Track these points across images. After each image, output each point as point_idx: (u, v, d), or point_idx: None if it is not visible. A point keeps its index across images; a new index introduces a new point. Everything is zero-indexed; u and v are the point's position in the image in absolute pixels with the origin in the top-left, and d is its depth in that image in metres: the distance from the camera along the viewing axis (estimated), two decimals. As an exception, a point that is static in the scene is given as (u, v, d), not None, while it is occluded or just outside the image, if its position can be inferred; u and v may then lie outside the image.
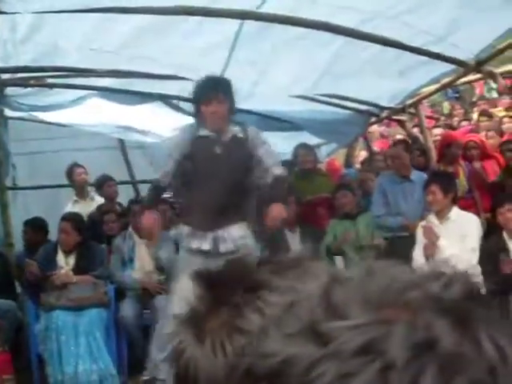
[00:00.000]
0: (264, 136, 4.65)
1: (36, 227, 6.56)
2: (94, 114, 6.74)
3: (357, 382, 0.46)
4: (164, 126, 6.91)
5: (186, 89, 5.76)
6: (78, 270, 5.68)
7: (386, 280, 0.54)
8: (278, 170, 4.50)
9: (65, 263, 5.70)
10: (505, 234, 5.33)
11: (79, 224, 5.88)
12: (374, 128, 9.45)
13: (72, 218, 5.90)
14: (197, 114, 4.49)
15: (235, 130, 4.47)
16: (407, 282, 0.54)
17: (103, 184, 7.18)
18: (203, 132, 4.42)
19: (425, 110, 11.31)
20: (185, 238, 4.50)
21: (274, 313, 0.59)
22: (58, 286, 5.51)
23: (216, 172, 4.31)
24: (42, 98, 6.11)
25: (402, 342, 0.47)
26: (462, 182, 6.43)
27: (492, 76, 5.58)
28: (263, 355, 0.52)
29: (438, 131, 8.38)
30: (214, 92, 4.31)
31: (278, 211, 4.32)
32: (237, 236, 4.35)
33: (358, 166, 8.67)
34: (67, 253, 5.74)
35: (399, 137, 9.28)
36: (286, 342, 0.52)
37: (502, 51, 5.24)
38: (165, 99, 6.39)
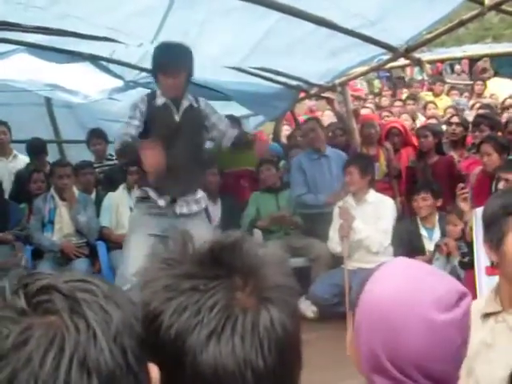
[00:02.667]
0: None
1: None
2: (21, 70, 6.55)
3: None
4: (92, 87, 6.80)
5: (116, 51, 5.71)
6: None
7: None
8: (234, 132, 4.65)
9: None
10: (418, 220, 5.56)
11: None
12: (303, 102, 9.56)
13: None
14: (155, 81, 4.49)
15: (190, 98, 4.52)
16: None
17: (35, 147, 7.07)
18: (161, 100, 4.42)
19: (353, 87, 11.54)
20: (141, 199, 4.53)
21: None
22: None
23: (175, 139, 4.33)
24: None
25: None
26: (382, 165, 6.60)
27: (419, 63, 5.73)
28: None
29: (365, 111, 8.56)
30: (172, 62, 4.31)
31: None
32: (192, 200, 4.48)
33: (283, 140, 8.76)
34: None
35: (327, 112, 9.43)
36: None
37: (430, 40, 5.38)
38: (94, 60, 6.27)
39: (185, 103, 4.47)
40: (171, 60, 4.31)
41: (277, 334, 0.83)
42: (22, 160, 7.14)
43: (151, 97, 4.49)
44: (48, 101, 8.22)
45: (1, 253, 5.53)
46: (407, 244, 5.51)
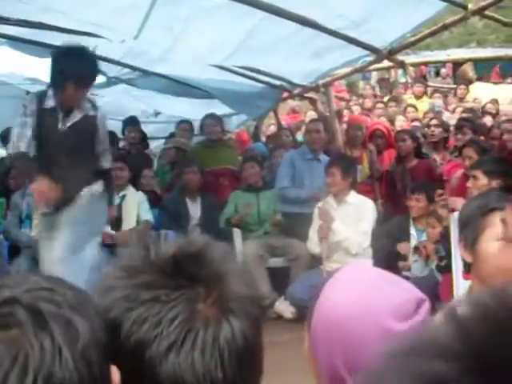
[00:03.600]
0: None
1: None
2: (2, 63, 6.50)
3: None
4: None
5: (99, 47, 5.66)
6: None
7: None
8: (107, 163, 4.66)
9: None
10: (410, 219, 5.57)
11: None
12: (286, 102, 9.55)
13: None
14: (53, 84, 4.37)
15: (87, 106, 4.44)
16: None
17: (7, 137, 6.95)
18: (51, 102, 4.32)
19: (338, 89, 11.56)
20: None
21: None
22: None
23: (59, 146, 4.29)
24: None
25: None
26: (365, 167, 6.61)
27: (402, 65, 5.73)
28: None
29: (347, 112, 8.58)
30: (88, 76, 4.32)
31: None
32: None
33: (264, 139, 8.76)
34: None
35: (310, 113, 9.45)
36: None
37: (413, 43, 5.40)
38: (77, 55, 6.20)
39: (76, 113, 4.38)
40: (87, 73, 4.31)
41: (237, 345, 0.83)
42: (1, 154, 7.07)
43: (42, 96, 4.37)
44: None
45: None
46: (395, 239, 5.52)
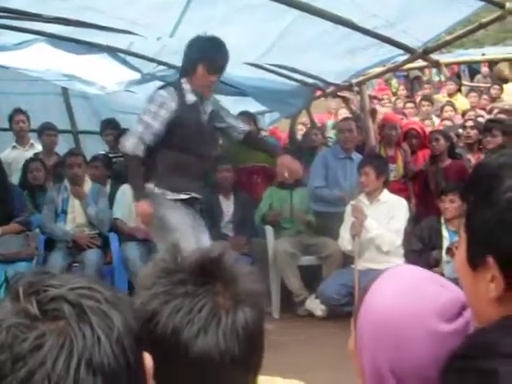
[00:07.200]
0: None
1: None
2: (40, 60, 6.58)
3: None
4: (109, 78, 6.81)
5: (134, 44, 5.72)
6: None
7: None
8: (246, 126, 4.65)
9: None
10: (443, 220, 5.53)
11: None
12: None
13: None
14: (189, 71, 4.35)
15: (214, 98, 4.51)
16: None
17: (42, 132, 7.08)
18: (190, 97, 4.31)
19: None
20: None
21: None
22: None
23: (203, 139, 4.31)
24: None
25: None
26: (400, 166, 6.59)
27: (437, 65, 5.70)
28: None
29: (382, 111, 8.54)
30: (222, 62, 4.34)
31: (286, 162, 4.35)
32: None
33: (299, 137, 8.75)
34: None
35: (342, 111, 9.42)
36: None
37: (448, 42, 5.36)
38: (112, 52, 6.28)
39: (208, 104, 4.42)
40: (223, 61, 4.32)
41: (249, 328, 1.08)
42: (38, 149, 7.20)
43: (180, 92, 4.32)
44: (65, 91, 8.26)
45: (14, 243, 5.57)
46: (427, 239, 5.49)
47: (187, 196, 4.35)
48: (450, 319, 1.15)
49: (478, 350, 1.01)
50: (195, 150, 4.27)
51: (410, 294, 1.18)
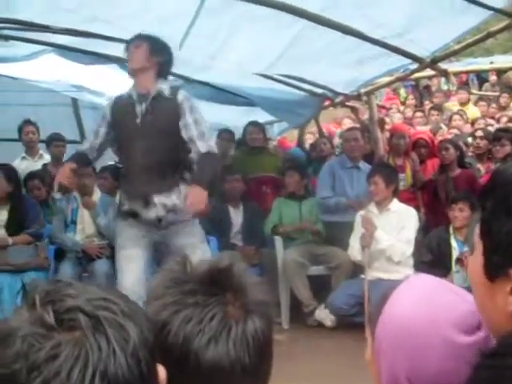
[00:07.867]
0: (196, 104, 4.30)
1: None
2: (49, 71, 6.63)
3: None
4: (118, 88, 6.84)
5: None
6: (11, 224, 5.65)
7: None
8: (204, 147, 4.07)
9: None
10: (451, 229, 5.49)
11: (10, 173, 5.74)
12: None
13: (2, 168, 5.73)
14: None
15: (164, 87, 4.16)
16: None
17: (50, 143, 7.10)
18: (127, 94, 4.23)
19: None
20: (119, 203, 4.45)
21: None
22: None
23: (138, 134, 4.08)
24: (-3, 50, 5.97)
25: None
26: (408, 176, 6.58)
27: (445, 74, 5.70)
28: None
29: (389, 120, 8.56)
30: (136, 36, 4.30)
31: (195, 197, 3.84)
32: (168, 202, 4.11)
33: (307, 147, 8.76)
34: (-1, 205, 5.67)
35: (346, 120, 9.44)
36: None
37: (456, 51, 5.36)
38: (121, 62, 6.31)
39: (153, 93, 4.12)
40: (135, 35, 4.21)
41: (258, 337, 1.08)
42: (47, 160, 7.22)
43: (119, 97, 4.30)
44: (75, 102, 8.30)
45: (25, 253, 5.58)
46: (435, 250, 5.46)
47: (128, 208, 4.22)
48: (468, 331, 1.15)
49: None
50: (129, 147, 4.15)
51: (428, 304, 1.19)
